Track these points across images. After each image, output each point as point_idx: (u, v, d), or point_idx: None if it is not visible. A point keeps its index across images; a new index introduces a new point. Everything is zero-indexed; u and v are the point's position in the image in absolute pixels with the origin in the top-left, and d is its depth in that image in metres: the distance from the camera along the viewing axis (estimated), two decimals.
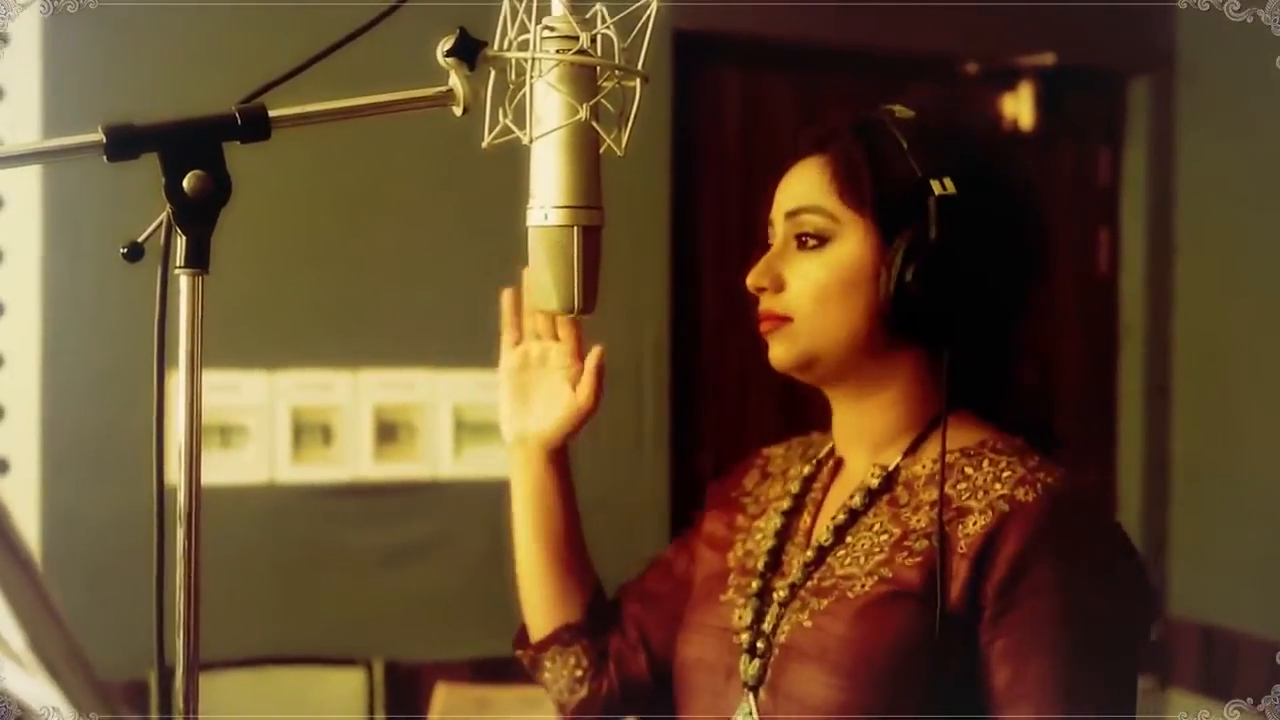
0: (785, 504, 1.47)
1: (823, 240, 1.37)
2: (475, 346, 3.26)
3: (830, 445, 1.49)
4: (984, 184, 1.36)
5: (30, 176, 2.87)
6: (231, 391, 3.01)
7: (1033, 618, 1.26)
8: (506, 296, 1.62)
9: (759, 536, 1.48)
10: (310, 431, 3.11)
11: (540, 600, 1.59)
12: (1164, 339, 3.88)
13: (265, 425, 3.06)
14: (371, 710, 3.09)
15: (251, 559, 3.01)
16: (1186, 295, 3.86)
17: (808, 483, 1.48)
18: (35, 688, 0.65)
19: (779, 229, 1.42)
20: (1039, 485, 1.29)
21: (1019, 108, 3.73)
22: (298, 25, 2.91)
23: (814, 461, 1.49)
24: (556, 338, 1.63)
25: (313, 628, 3.10)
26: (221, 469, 2.99)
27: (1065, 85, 3.77)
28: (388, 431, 3.16)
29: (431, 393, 3.17)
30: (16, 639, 0.62)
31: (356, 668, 3.10)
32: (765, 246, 1.44)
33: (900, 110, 1.40)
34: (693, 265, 3.46)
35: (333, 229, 3.13)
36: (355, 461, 3.14)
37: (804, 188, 1.40)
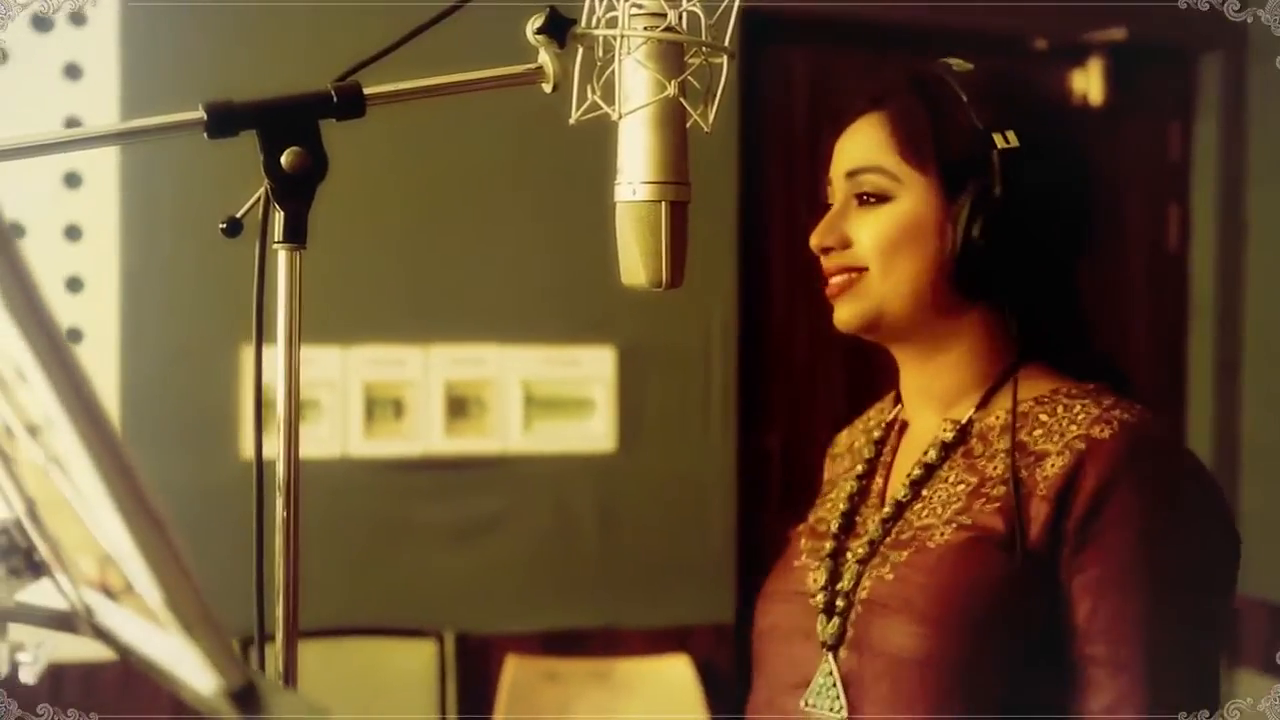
0: (859, 469, 1.48)
1: (884, 198, 1.37)
2: (545, 322, 3.31)
3: (895, 410, 1.50)
4: (1044, 135, 1.36)
5: (108, 155, 2.91)
6: (305, 366, 3.03)
7: (1112, 551, 1.26)
8: None
9: (829, 505, 1.49)
10: (382, 406, 3.15)
11: None
12: (1234, 316, 3.85)
13: (338, 400, 3.10)
14: (443, 681, 3.13)
15: (324, 532, 3.05)
16: (1257, 272, 3.82)
17: (878, 447, 1.49)
18: (170, 646, 0.68)
19: (839, 188, 1.41)
20: (1115, 422, 1.30)
21: (1089, 84, 3.70)
22: (370, 8, 2.94)
23: (882, 426, 1.50)
24: None
25: (385, 600, 3.15)
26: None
27: (1135, 61, 3.74)
28: (458, 406, 3.19)
29: (501, 368, 3.20)
30: (154, 597, 0.65)
31: (428, 639, 3.14)
32: (825, 207, 1.44)
33: (958, 64, 1.39)
34: (761, 244, 3.47)
35: (406, 207, 3.16)
36: (426, 436, 3.17)
37: (863, 147, 1.39)
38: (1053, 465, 1.30)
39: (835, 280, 1.39)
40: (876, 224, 1.37)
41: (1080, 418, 1.32)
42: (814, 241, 1.40)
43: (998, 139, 1.33)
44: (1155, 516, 1.28)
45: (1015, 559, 1.27)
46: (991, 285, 1.35)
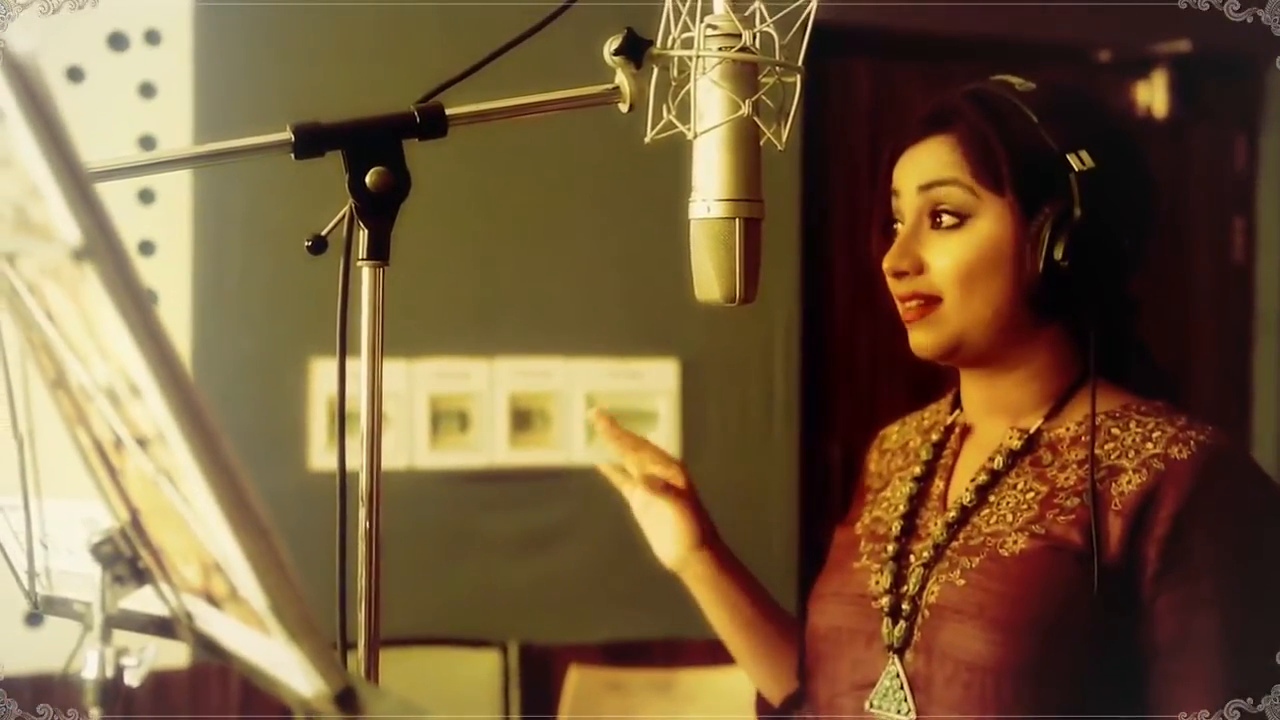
0: (917, 470, 1.48)
1: (961, 218, 1.36)
2: (608, 336, 3.33)
3: (955, 414, 1.51)
4: (1113, 152, 1.36)
5: (181, 172, 2.96)
6: None
7: (1199, 572, 1.27)
8: (605, 468, 1.63)
9: (885, 505, 1.50)
10: (448, 418, 3.18)
11: (760, 677, 1.64)
12: None
13: (404, 412, 3.14)
14: (506, 691, 3.16)
15: (391, 543, 3.04)
16: None
17: (937, 449, 1.49)
18: (272, 651, 0.70)
19: (910, 205, 1.40)
20: (1192, 443, 1.30)
21: (1153, 95, 3.69)
22: (438, 26, 2.99)
23: (941, 429, 1.51)
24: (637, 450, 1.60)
25: (449, 610, 3.17)
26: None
27: (1200, 72, 3.72)
28: (522, 419, 3.22)
29: (565, 381, 3.23)
30: (259, 602, 0.67)
31: (492, 649, 3.16)
32: (886, 223, 1.44)
33: (1019, 82, 1.39)
34: (823, 253, 3.48)
35: (471, 220, 3.19)
36: (491, 448, 3.20)
37: (935, 165, 1.38)
38: (1129, 482, 1.30)
39: (910, 307, 1.39)
40: (955, 250, 1.36)
41: (1156, 436, 1.33)
42: (887, 265, 1.39)
43: (1073, 160, 1.33)
44: (1238, 536, 1.29)
45: (1091, 572, 1.28)
46: (1070, 306, 1.36)
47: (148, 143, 2.94)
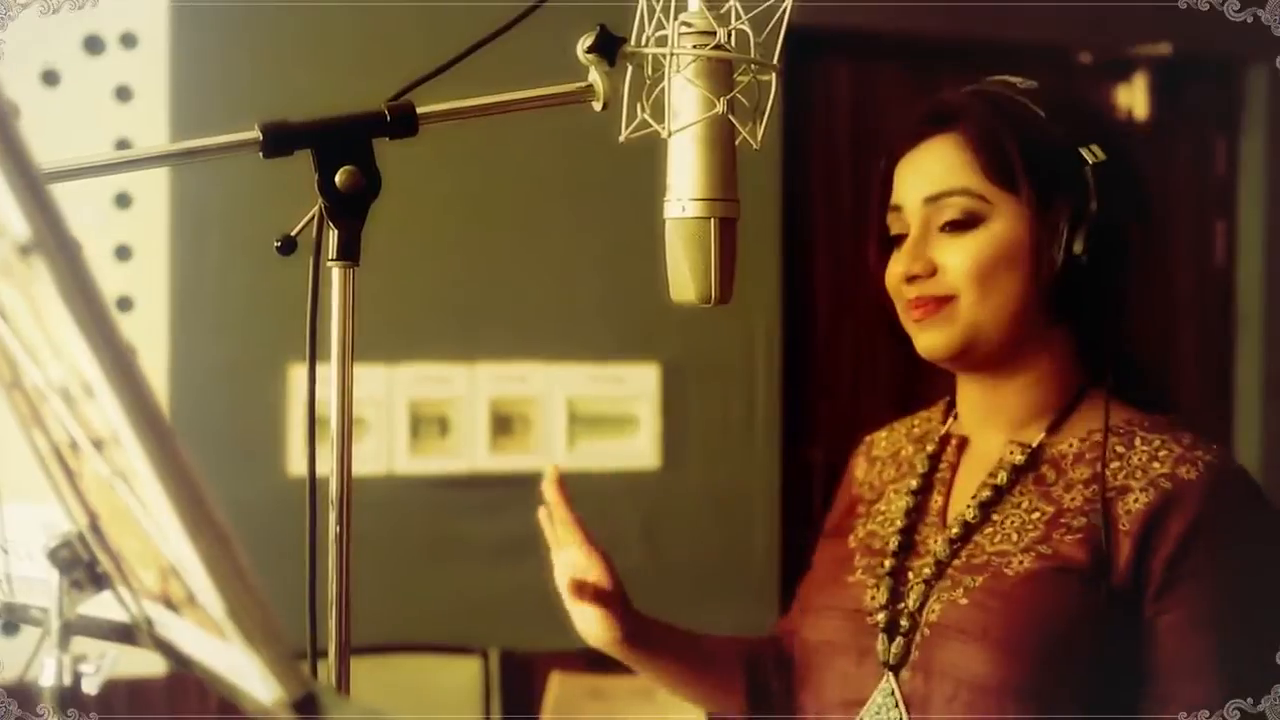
0: (913, 483, 1.45)
1: (973, 222, 1.34)
2: (589, 340, 3.32)
3: (949, 423, 1.49)
4: (1119, 147, 1.35)
5: (158, 176, 2.95)
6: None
7: (1200, 593, 1.26)
8: (542, 514, 1.57)
9: (880, 519, 1.47)
10: (427, 424, 3.16)
11: (711, 710, 1.62)
12: None
13: (384, 417, 3.12)
14: (487, 698, 3.14)
15: (370, 549, 3.03)
16: None
17: (933, 462, 1.47)
18: (231, 657, 0.69)
19: (915, 214, 1.37)
20: (1200, 463, 1.29)
21: (1134, 98, 3.69)
22: (414, 28, 2.97)
23: (935, 440, 1.48)
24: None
25: (430, 616, 3.16)
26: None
27: (1181, 75, 3.72)
28: (503, 424, 3.21)
29: (546, 386, 3.21)
30: (217, 608, 0.66)
31: (473, 656, 3.14)
32: (880, 233, 1.42)
33: (1021, 81, 1.38)
34: (805, 258, 3.47)
35: (451, 225, 3.18)
36: (471, 453, 3.19)
37: (941, 170, 1.35)
38: (1136, 501, 1.29)
39: (922, 308, 1.36)
40: (969, 249, 1.33)
41: (1163, 454, 1.31)
42: (901, 269, 1.37)
43: (1085, 154, 1.32)
44: (1239, 559, 1.29)
45: (1099, 592, 1.27)
46: (1087, 303, 1.34)
47: (124, 146, 2.91)
